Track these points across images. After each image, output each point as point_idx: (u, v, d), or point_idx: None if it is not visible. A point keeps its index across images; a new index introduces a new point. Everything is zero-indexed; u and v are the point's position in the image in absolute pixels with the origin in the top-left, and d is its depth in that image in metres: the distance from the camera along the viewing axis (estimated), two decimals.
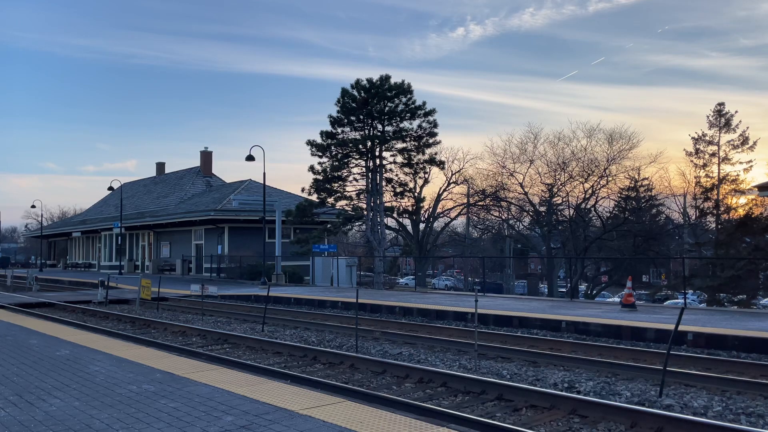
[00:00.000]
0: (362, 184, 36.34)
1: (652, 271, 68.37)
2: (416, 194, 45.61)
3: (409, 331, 15.16)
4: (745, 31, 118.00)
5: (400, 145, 36.18)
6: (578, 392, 8.61)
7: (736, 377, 9.17)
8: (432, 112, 35.62)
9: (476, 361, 10.65)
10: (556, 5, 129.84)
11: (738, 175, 52.61)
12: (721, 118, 52.81)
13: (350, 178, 36.47)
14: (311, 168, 36.03)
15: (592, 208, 51.04)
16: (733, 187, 51.45)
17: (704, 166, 53.94)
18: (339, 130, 36.25)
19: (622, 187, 50.85)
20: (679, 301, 34.10)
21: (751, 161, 52.56)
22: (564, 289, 45.48)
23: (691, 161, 54.60)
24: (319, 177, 35.91)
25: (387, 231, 45.99)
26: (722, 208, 50.31)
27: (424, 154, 36.53)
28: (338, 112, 35.89)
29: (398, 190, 37.69)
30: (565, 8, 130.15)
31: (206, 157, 55.72)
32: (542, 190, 50.96)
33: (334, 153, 36.09)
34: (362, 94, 35.15)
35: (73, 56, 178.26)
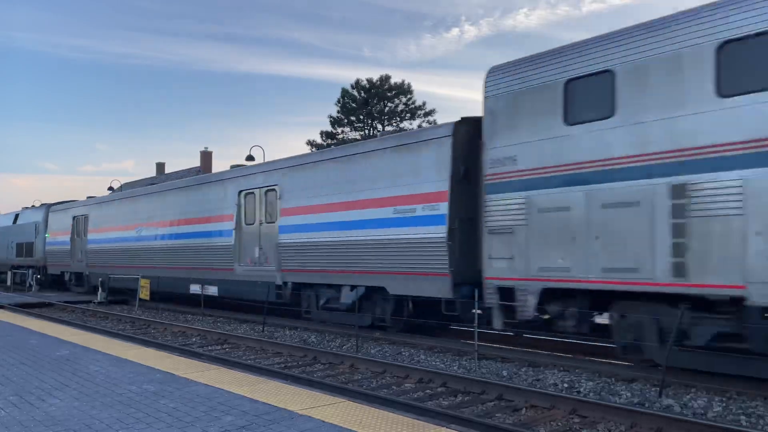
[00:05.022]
0: None
1: None
2: None
3: (409, 331, 15.13)
4: None
5: None
6: (578, 392, 8.62)
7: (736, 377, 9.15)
8: (432, 112, 35.74)
9: (476, 362, 10.65)
10: (550, 6, 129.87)
11: None
12: None
13: None
14: None
15: None
16: None
17: None
18: (339, 130, 36.30)
19: None
20: None
21: None
22: None
23: None
24: None
25: None
26: None
27: None
28: (338, 112, 35.95)
29: None
30: (559, 8, 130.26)
31: (206, 157, 55.65)
32: None
33: None
34: (362, 94, 35.19)
35: (71, 56, 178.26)
